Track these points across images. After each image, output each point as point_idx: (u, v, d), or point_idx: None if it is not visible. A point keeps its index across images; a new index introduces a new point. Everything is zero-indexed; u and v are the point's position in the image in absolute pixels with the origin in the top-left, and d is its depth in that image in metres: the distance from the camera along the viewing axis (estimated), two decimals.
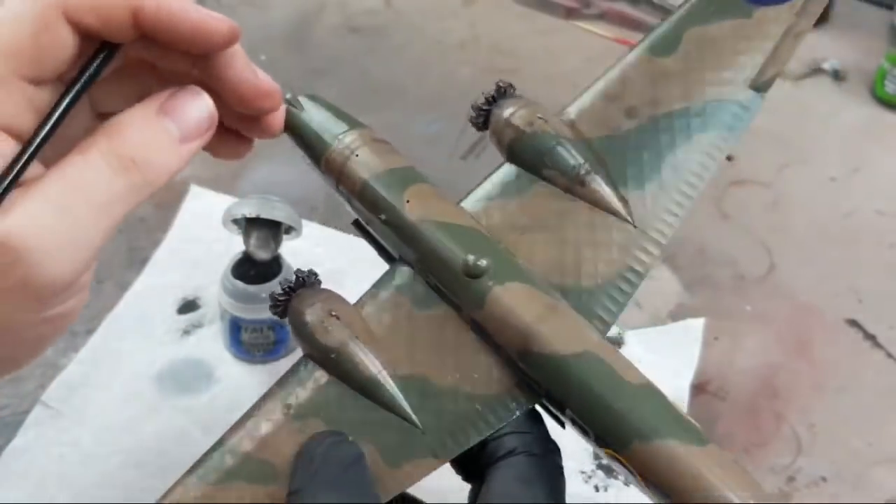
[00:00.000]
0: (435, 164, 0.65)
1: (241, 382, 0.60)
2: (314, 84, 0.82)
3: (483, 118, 0.46)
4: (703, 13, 0.46)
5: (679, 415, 0.37)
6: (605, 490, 0.55)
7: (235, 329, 0.60)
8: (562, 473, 0.40)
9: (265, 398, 0.40)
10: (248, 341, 0.60)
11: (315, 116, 0.47)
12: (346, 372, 0.40)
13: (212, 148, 0.40)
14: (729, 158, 0.44)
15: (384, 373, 0.40)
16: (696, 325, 0.63)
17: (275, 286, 0.59)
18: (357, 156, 0.44)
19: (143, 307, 0.64)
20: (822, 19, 0.94)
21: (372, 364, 0.40)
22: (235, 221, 0.59)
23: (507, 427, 0.39)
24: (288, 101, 0.47)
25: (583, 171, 0.43)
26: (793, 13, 0.46)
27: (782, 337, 0.65)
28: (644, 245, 0.42)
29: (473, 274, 0.40)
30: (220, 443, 0.39)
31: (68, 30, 0.34)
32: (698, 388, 0.60)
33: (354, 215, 0.45)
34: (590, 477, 0.55)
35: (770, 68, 0.46)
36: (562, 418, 0.39)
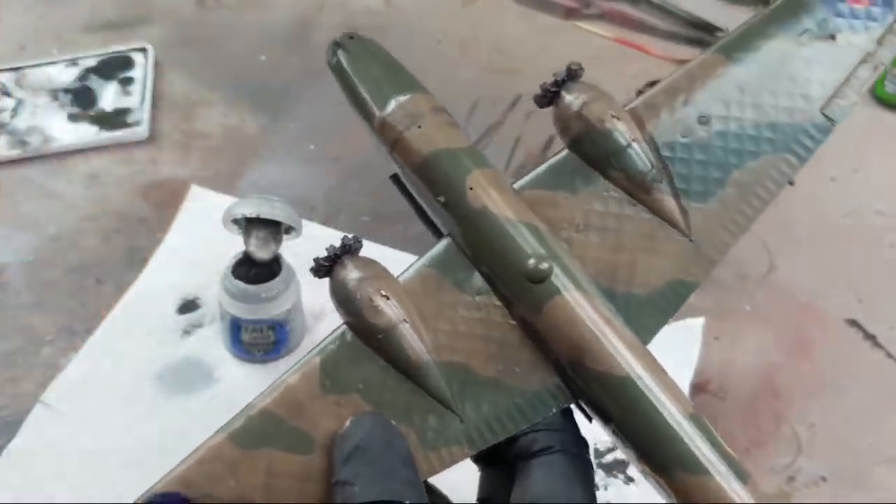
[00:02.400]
0: None
1: (241, 382, 0.60)
2: (314, 84, 0.82)
3: (549, 99, 0.45)
4: (787, 27, 0.45)
5: (724, 449, 0.37)
6: (606, 489, 0.55)
7: (235, 329, 0.60)
8: (593, 470, 0.40)
9: (302, 366, 0.39)
10: (248, 341, 0.60)
11: (371, 68, 0.45)
12: (392, 353, 0.39)
13: None
14: (791, 183, 0.45)
15: (430, 359, 0.39)
16: (696, 324, 0.63)
17: (275, 286, 0.59)
18: (419, 127, 0.42)
19: (143, 307, 0.64)
20: None
21: (419, 349, 0.39)
22: (235, 221, 0.59)
23: (539, 423, 0.39)
24: (337, 44, 0.47)
25: (649, 178, 0.42)
26: (873, 40, 0.45)
27: (782, 337, 0.65)
28: (698, 260, 0.42)
29: (535, 279, 0.39)
30: (252, 406, 0.38)
31: None
32: (698, 388, 0.60)
33: (392, 169, 0.44)
34: None
35: (843, 98, 0.45)
36: (600, 426, 0.39)
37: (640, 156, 0.42)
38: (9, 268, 0.67)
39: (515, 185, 0.42)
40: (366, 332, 0.39)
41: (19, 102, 0.80)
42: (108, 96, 0.81)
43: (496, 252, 0.40)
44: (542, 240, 0.40)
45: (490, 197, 0.41)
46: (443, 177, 0.41)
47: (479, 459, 0.41)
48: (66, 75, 0.83)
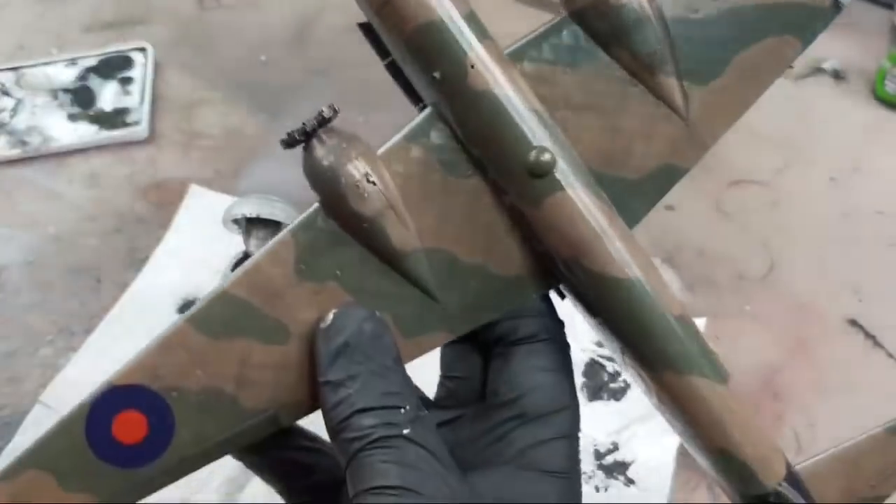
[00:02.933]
0: None
1: None
2: (314, 84, 0.82)
3: None
4: None
5: (709, 350, 0.38)
6: (606, 490, 0.55)
7: None
8: (570, 352, 0.40)
9: (272, 249, 0.37)
10: None
11: None
12: (374, 240, 0.37)
13: None
14: (790, 66, 0.43)
15: (414, 245, 0.37)
16: (699, 324, 0.63)
17: None
18: None
19: (143, 307, 0.64)
20: None
21: (404, 236, 0.37)
22: (236, 221, 0.59)
23: (519, 309, 0.39)
24: None
25: (657, 58, 0.40)
26: None
27: (782, 337, 0.65)
28: (692, 145, 0.41)
29: (537, 173, 0.37)
30: (221, 292, 0.36)
31: None
32: None
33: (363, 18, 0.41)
34: (590, 477, 0.55)
35: None
36: (580, 312, 0.39)
37: (650, 35, 0.40)
38: (9, 268, 0.67)
39: (509, 50, 0.40)
40: (347, 217, 0.37)
41: (19, 102, 0.80)
42: (108, 96, 0.81)
43: (496, 139, 0.37)
44: (545, 127, 0.38)
45: (494, 78, 0.38)
46: (439, 51, 0.38)
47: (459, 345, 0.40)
48: (65, 75, 0.83)
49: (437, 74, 0.38)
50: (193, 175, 0.74)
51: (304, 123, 0.39)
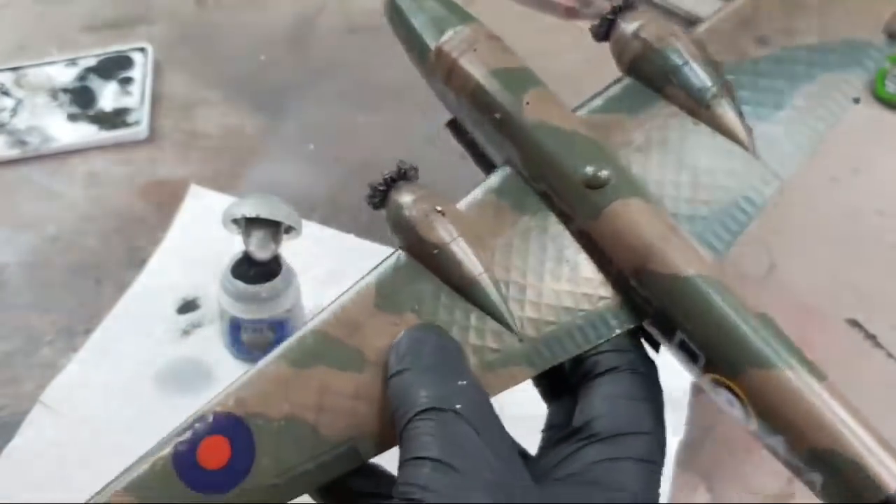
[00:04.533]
0: (435, 163, 0.65)
1: None
2: (314, 84, 0.82)
3: (606, 28, 0.44)
4: None
5: (797, 348, 0.36)
6: None
7: (235, 329, 0.60)
8: (662, 393, 0.38)
9: (355, 288, 0.38)
10: (248, 341, 0.60)
11: (429, 5, 0.45)
12: (447, 270, 0.38)
13: None
14: (856, 101, 0.44)
15: (485, 275, 0.38)
16: None
17: (275, 286, 0.59)
18: (475, 50, 0.43)
19: (143, 307, 0.64)
20: None
21: (475, 264, 0.38)
22: (235, 221, 0.59)
23: (605, 345, 0.38)
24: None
25: (710, 94, 0.41)
26: None
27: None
28: (764, 177, 0.42)
29: (594, 185, 0.38)
30: (305, 328, 0.38)
31: None
32: (699, 389, 0.60)
33: (449, 115, 0.44)
34: None
35: None
36: (661, 342, 0.38)
37: (699, 71, 0.41)
38: (9, 268, 0.67)
39: (576, 112, 0.42)
40: (421, 249, 0.38)
41: (19, 102, 0.80)
42: (108, 96, 0.81)
43: (553, 163, 0.39)
44: (598, 149, 0.39)
45: (546, 111, 0.40)
46: (498, 95, 0.41)
47: (545, 392, 0.40)
48: (65, 75, 0.83)
49: (497, 115, 0.41)
50: (193, 175, 0.74)
51: (382, 175, 0.41)
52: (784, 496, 0.56)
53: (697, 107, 0.41)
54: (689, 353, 0.36)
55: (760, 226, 0.75)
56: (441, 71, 0.43)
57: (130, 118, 0.79)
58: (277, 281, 0.59)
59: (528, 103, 0.41)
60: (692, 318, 0.36)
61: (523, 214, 0.40)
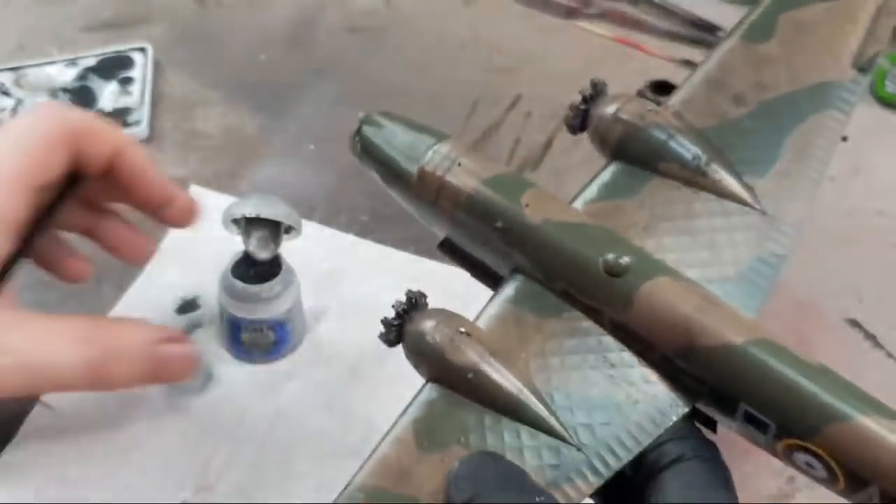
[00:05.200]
0: None
1: (240, 382, 0.60)
2: (314, 84, 0.82)
3: (581, 118, 0.44)
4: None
5: (862, 391, 0.35)
6: None
7: (235, 329, 0.60)
8: (731, 475, 0.37)
9: (392, 434, 0.36)
10: (247, 341, 0.60)
11: (397, 132, 0.45)
12: (486, 393, 0.36)
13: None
14: (844, 139, 0.46)
15: (526, 390, 0.36)
16: None
17: (275, 286, 0.59)
18: (460, 165, 0.42)
19: (143, 307, 0.64)
20: None
21: (513, 381, 0.36)
22: (235, 221, 0.59)
23: (664, 436, 0.36)
24: (362, 121, 0.47)
25: (703, 161, 0.41)
26: None
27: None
28: (779, 229, 0.41)
29: (616, 272, 0.37)
30: (352, 486, 0.35)
31: (65, 152, 0.46)
32: None
33: (441, 237, 0.44)
34: None
35: (870, 48, 0.45)
36: (721, 419, 0.37)
37: (688, 142, 0.42)
38: None
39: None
40: (452, 376, 0.37)
41: (19, 102, 0.80)
42: (108, 96, 0.81)
43: (568, 259, 0.38)
44: (609, 236, 0.39)
45: (548, 209, 0.40)
46: (495, 203, 0.40)
47: (604, 499, 0.37)
48: (65, 75, 0.83)
49: (499, 224, 0.40)
50: (193, 175, 0.74)
51: (394, 307, 0.39)
52: (784, 496, 0.56)
53: (694, 176, 0.41)
54: (757, 424, 0.35)
55: None
56: (428, 192, 0.43)
57: (130, 118, 0.79)
58: (277, 281, 0.59)
59: (527, 205, 0.40)
60: (754, 387, 0.35)
61: (549, 318, 0.38)
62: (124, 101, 0.80)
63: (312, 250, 0.66)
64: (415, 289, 0.39)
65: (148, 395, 0.59)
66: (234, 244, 0.61)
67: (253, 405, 0.58)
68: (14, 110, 0.79)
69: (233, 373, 0.61)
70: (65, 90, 0.81)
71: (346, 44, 0.88)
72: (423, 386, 0.38)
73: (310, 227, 0.66)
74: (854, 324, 0.66)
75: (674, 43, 0.91)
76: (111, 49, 0.85)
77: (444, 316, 0.38)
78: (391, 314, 0.39)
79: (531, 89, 0.82)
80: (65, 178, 0.48)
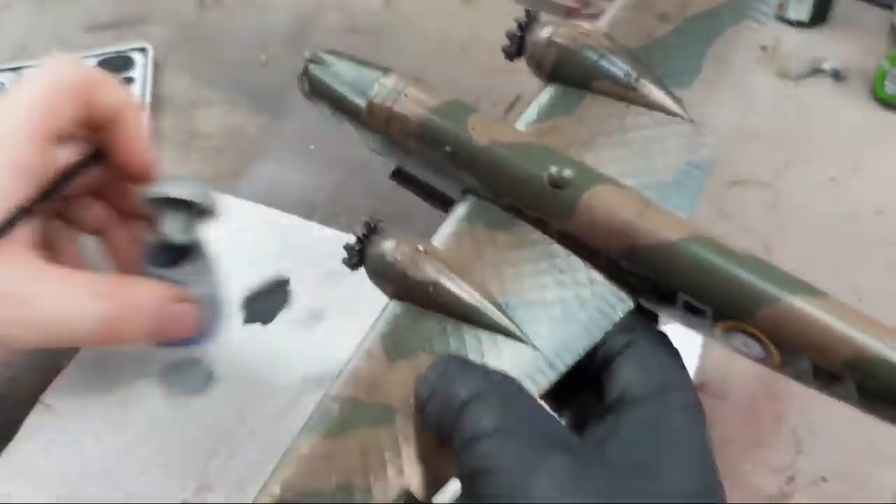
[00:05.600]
0: None
1: (241, 382, 0.60)
2: None
3: (517, 46, 0.48)
4: None
5: (792, 277, 0.38)
6: None
7: None
8: (681, 356, 0.40)
9: (362, 349, 0.40)
10: None
11: (343, 69, 0.48)
12: (446, 303, 0.39)
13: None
14: (763, 49, 0.52)
15: (483, 298, 0.39)
16: None
17: (187, 271, 0.55)
18: (406, 95, 0.45)
19: None
20: (822, 19, 0.94)
21: (470, 291, 0.39)
22: (153, 202, 0.56)
23: (614, 330, 0.39)
24: (308, 60, 0.50)
25: (633, 77, 0.45)
26: None
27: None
28: (706, 134, 0.44)
29: (559, 184, 0.41)
30: (326, 399, 0.39)
31: (76, 100, 0.48)
32: (698, 388, 0.60)
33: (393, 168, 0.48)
34: None
35: None
36: (663, 312, 0.41)
37: (618, 60, 0.45)
38: None
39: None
40: (414, 291, 0.40)
41: None
42: None
43: (515, 176, 0.42)
44: (551, 153, 0.42)
45: (492, 131, 0.43)
46: (443, 129, 0.44)
47: (558, 396, 0.40)
48: None
49: (448, 148, 0.43)
50: (193, 175, 0.74)
51: (347, 248, 0.43)
52: (784, 496, 0.56)
53: (626, 91, 0.45)
54: (695, 312, 0.39)
55: (760, 226, 0.76)
56: (378, 123, 0.46)
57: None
58: (191, 266, 0.56)
59: (473, 129, 0.43)
60: (691, 278, 0.38)
61: (500, 232, 0.42)
62: None
63: (313, 250, 0.66)
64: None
65: (148, 394, 0.59)
66: (235, 244, 0.61)
67: (253, 405, 0.58)
68: None
69: (233, 372, 0.61)
70: None
71: (346, 44, 0.87)
72: (388, 304, 0.41)
73: (310, 228, 0.66)
74: None
75: None
76: (111, 49, 0.85)
77: (402, 237, 0.42)
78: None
79: (531, 89, 0.82)
80: (83, 146, 0.51)
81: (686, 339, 0.63)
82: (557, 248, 0.41)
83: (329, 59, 0.48)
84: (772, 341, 0.38)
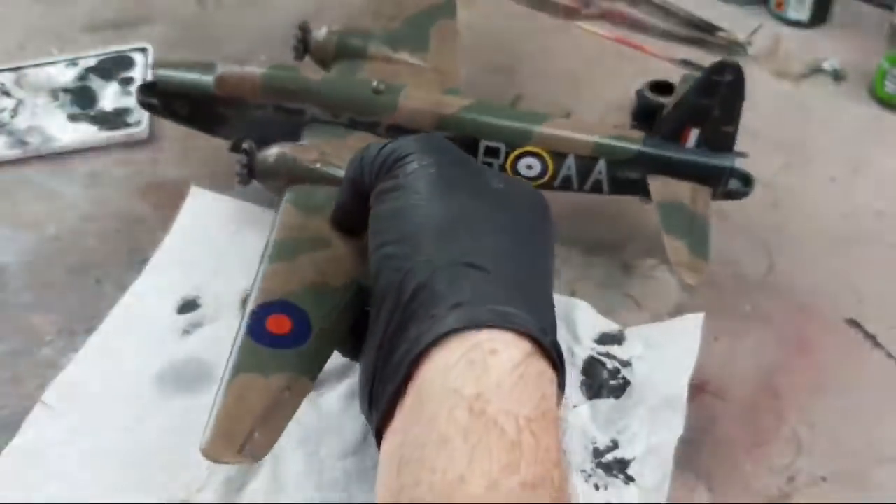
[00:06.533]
0: None
1: None
2: None
3: (303, 48, 0.71)
4: None
5: (543, 114, 0.65)
6: (606, 489, 0.55)
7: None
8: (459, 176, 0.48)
9: (278, 218, 0.56)
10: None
11: (178, 68, 0.65)
12: (328, 174, 0.59)
13: None
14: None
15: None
16: (696, 319, 0.63)
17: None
18: (243, 67, 0.64)
19: (143, 307, 0.64)
20: (822, 19, 0.94)
21: (344, 161, 0.53)
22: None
23: None
24: (148, 84, 0.66)
25: (392, 48, 0.71)
26: None
27: (782, 337, 0.65)
28: (440, 71, 0.71)
29: (382, 91, 0.63)
30: (268, 245, 0.53)
31: None
32: (698, 388, 0.60)
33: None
34: (590, 476, 0.55)
35: None
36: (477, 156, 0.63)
37: (379, 40, 0.71)
38: (9, 268, 0.67)
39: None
40: (303, 172, 0.59)
41: (19, 102, 0.80)
42: (109, 96, 0.81)
43: (349, 95, 0.64)
44: (367, 78, 0.65)
45: (318, 72, 0.68)
46: (284, 76, 0.64)
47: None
48: (66, 75, 0.83)
49: (293, 88, 0.64)
50: (194, 175, 0.74)
51: (239, 163, 0.61)
52: (784, 496, 0.56)
53: (389, 57, 0.70)
54: (493, 151, 0.63)
55: (760, 226, 0.76)
56: (230, 90, 0.63)
57: (131, 118, 0.79)
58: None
59: (306, 73, 0.65)
60: (484, 128, 0.63)
61: (345, 137, 0.62)
62: (125, 102, 0.80)
63: None
64: None
65: (148, 394, 0.59)
66: (235, 244, 0.61)
67: None
68: (14, 110, 0.79)
69: None
70: (65, 90, 0.81)
71: None
72: (285, 191, 0.58)
73: None
74: (854, 324, 0.66)
75: (673, 43, 0.91)
76: (112, 49, 0.85)
77: (280, 144, 0.60)
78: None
79: (531, 89, 0.82)
80: None
81: (684, 332, 0.64)
82: (387, 136, 0.61)
83: (165, 70, 0.65)
84: (546, 152, 0.63)
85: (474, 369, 0.36)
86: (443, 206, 0.43)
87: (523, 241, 0.43)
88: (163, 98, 0.65)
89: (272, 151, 0.59)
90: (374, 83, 0.62)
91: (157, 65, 0.65)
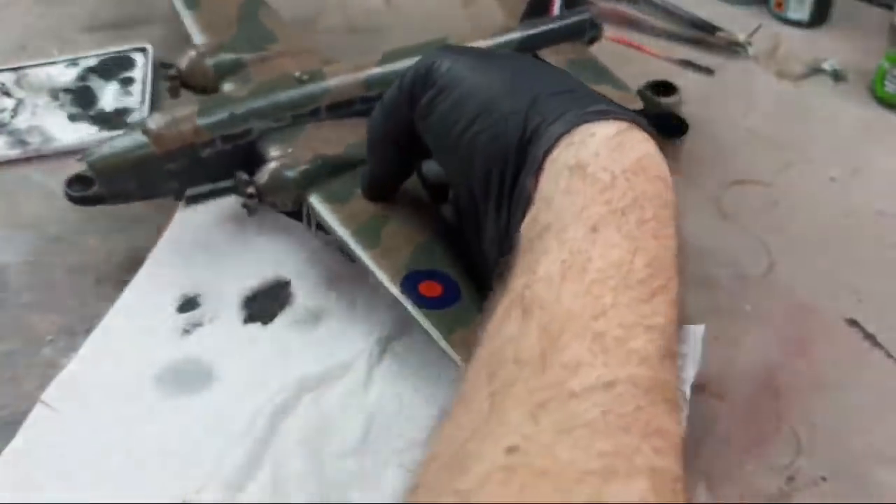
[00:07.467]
0: None
1: (241, 382, 0.60)
2: None
3: (178, 82, 0.71)
4: None
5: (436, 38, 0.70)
6: None
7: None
8: None
9: (327, 222, 0.60)
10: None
11: (111, 148, 0.61)
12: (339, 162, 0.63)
13: None
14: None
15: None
16: (697, 330, 0.63)
17: None
18: (175, 116, 0.62)
19: (143, 306, 0.64)
20: (822, 19, 0.94)
21: (335, 150, 0.63)
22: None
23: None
24: (77, 177, 0.62)
25: (262, 54, 0.73)
26: None
27: (782, 337, 0.65)
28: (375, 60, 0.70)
29: (308, 79, 0.66)
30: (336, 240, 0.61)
31: None
32: (698, 388, 0.60)
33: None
34: None
35: None
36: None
37: (247, 52, 0.73)
38: (9, 268, 0.67)
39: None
40: (313, 173, 0.62)
41: (19, 102, 0.80)
42: (109, 96, 0.81)
43: (283, 97, 0.65)
44: (283, 73, 0.67)
45: (246, 84, 0.68)
46: (218, 101, 0.65)
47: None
48: (66, 75, 0.83)
49: (229, 113, 0.64)
50: None
51: (243, 195, 0.63)
52: (784, 496, 0.56)
53: (258, 50, 0.73)
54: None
55: (760, 226, 0.76)
56: (171, 147, 0.61)
57: (131, 118, 0.79)
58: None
59: (230, 93, 0.67)
60: (387, 82, 0.62)
61: (301, 133, 0.64)
62: (125, 102, 0.80)
63: (313, 251, 0.66)
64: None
65: (148, 394, 0.59)
66: (235, 244, 0.61)
67: (253, 404, 0.58)
68: (14, 110, 0.79)
69: (233, 372, 0.61)
70: (66, 90, 0.81)
71: (346, 44, 0.88)
72: (295, 203, 0.63)
73: (308, 233, 0.66)
74: (854, 324, 0.66)
75: (674, 43, 0.91)
76: (112, 49, 0.85)
77: (274, 156, 0.63)
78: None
79: None
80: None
81: (687, 340, 0.64)
82: (329, 118, 0.66)
83: (97, 159, 0.61)
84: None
85: (575, 148, 0.42)
86: (494, 72, 0.48)
87: (562, 72, 0.50)
88: (104, 179, 0.61)
89: (271, 164, 0.61)
90: (297, 74, 0.65)
91: (84, 157, 0.61)
